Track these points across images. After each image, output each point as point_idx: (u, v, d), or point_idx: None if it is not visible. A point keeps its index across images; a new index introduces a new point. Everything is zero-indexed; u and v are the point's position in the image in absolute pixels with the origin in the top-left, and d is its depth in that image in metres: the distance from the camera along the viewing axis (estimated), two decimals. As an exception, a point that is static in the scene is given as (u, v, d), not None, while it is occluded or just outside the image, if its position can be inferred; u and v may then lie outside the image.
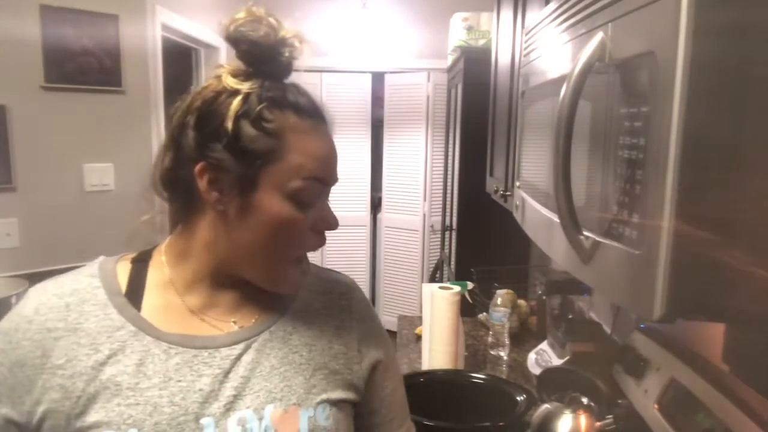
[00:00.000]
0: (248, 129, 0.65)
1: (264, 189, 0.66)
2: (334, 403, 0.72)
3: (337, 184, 0.74)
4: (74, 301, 0.68)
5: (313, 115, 0.70)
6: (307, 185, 0.67)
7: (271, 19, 0.68)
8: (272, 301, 0.75)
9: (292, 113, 0.67)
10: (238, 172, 0.66)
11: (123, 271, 0.72)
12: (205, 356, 0.68)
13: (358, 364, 0.77)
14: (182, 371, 0.66)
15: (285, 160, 0.66)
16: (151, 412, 0.63)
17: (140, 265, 0.73)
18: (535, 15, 1.22)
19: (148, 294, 0.70)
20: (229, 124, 0.65)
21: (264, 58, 0.68)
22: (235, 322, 0.72)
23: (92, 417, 0.62)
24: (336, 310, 0.79)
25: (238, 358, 0.69)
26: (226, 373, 0.67)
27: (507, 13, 1.83)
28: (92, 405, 0.63)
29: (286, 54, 0.68)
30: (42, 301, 0.67)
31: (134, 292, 0.70)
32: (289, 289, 0.73)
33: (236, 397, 0.67)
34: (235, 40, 0.67)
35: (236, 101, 0.66)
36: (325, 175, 0.70)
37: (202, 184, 0.67)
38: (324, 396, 0.71)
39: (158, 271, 0.73)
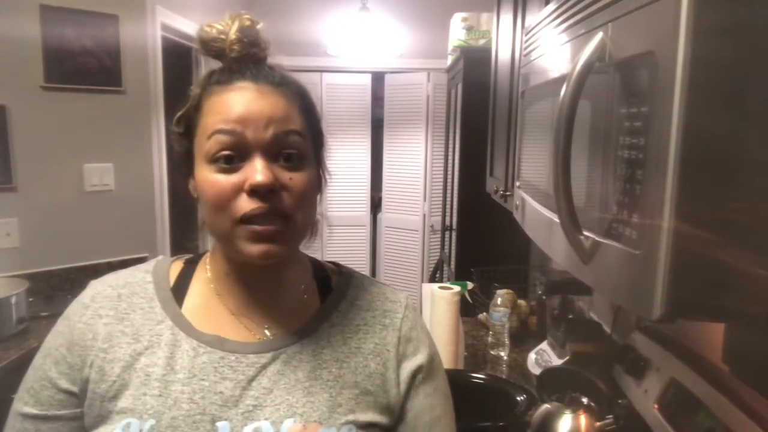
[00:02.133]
0: (189, 111, 0.70)
1: (197, 162, 0.68)
2: (363, 427, 0.68)
3: (269, 143, 0.65)
4: (126, 292, 0.72)
5: (231, 76, 0.68)
6: (214, 142, 0.64)
7: (225, 21, 0.70)
8: (310, 310, 0.75)
9: (215, 83, 0.69)
10: (186, 153, 0.71)
11: (175, 269, 0.76)
12: (232, 360, 0.68)
13: (396, 387, 0.72)
14: (206, 371, 0.67)
15: (200, 126, 0.68)
16: (170, 406, 0.65)
17: (191, 265, 0.77)
18: (534, 15, 1.22)
19: (191, 292, 0.74)
20: (183, 113, 0.71)
21: (220, 54, 0.71)
22: (267, 328, 0.72)
23: (122, 403, 0.65)
24: (378, 328, 0.74)
25: (264, 367, 0.68)
26: (250, 381, 0.67)
27: (507, 13, 1.83)
28: (124, 391, 0.66)
29: (235, 42, 0.69)
30: (98, 290, 0.73)
31: (179, 290, 0.74)
32: (251, 254, 0.65)
33: (256, 406, 0.66)
34: (199, 44, 0.72)
35: (194, 91, 0.70)
36: (228, 127, 0.64)
37: (187, 178, 0.72)
38: (351, 417, 0.67)
39: (203, 270, 0.76)
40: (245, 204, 0.64)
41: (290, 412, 0.66)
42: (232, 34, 0.68)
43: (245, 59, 0.70)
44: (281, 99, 0.67)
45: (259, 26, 0.71)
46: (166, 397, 0.65)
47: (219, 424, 0.64)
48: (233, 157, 0.64)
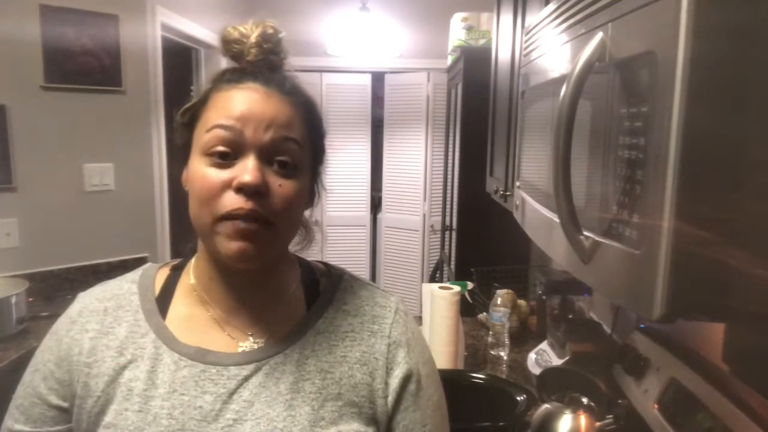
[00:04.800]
0: (197, 105, 0.70)
1: (193, 154, 0.68)
2: None
3: (265, 147, 0.65)
4: (112, 305, 0.72)
5: (243, 76, 0.68)
6: (212, 136, 0.64)
7: (249, 26, 0.70)
8: (295, 316, 0.73)
9: (225, 81, 0.69)
10: (185, 145, 0.70)
11: (161, 277, 0.75)
12: (213, 373, 0.67)
13: (383, 398, 0.69)
14: (187, 385, 0.66)
15: (202, 119, 0.68)
16: (150, 422, 0.64)
17: (176, 272, 0.76)
18: (535, 15, 1.22)
19: (175, 301, 0.73)
20: (191, 106, 0.71)
21: (238, 56, 0.71)
22: (251, 335, 0.70)
23: (107, 417, 0.65)
24: (366, 335, 0.72)
25: (246, 379, 0.67)
26: (231, 394, 0.66)
27: (507, 13, 1.83)
28: (109, 406, 0.66)
29: (254, 46, 0.70)
30: (85, 304, 0.73)
31: (164, 298, 0.73)
32: (230, 251, 0.64)
33: (236, 420, 0.64)
34: (220, 44, 0.71)
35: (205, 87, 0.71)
36: (228, 123, 0.64)
37: (181, 171, 0.72)
38: (333, 430, 0.65)
39: (187, 277, 0.75)
40: (229, 201, 0.63)
41: (270, 427, 0.64)
42: (253, 38, 0.69)
43: (262, 64, 0.70)
44: (287, 106, 0.67)
45: (281, 35, 0.71)
46: (146, 412, 0.64)
47: None
48: (228, 153, 0.64)
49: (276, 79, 0.69)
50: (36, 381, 0.69)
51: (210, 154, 0.64)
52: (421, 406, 0.72)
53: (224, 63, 0.74)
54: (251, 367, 0.67)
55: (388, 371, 0.71)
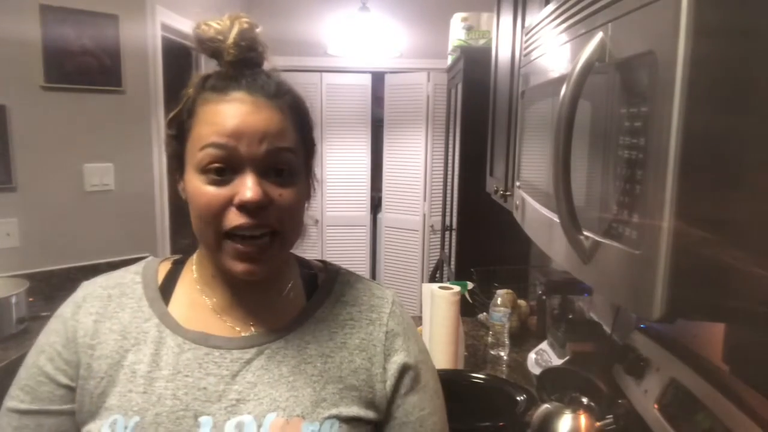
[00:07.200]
0: (182, 114, 0.69)
1: (187, 168, 0.68)
2: (346, 420, 0.68)
3: (261, 157, 0.65)
4: (116, 293, 0.74)
5: (227, 84, 0.67)
6: (206, 154, 0.64)
7: (224, 22, 0.68)
8: (295, 307, 0.75)
9: (210, 89, 0.68)
10: (177, 156, 0.70)
11: (163, 269, 0.78)
12: (216, 356, 0.69)
13: (382, 382, 0.72)
14: (191, 367, 0.68)
15: (193, 133, 0.67)
16: (154, 403, 0.66)
17: (178, 265, 0.78)
18: (535, 15, 1.22)
19: (178, 291, 0.75)
20: (176, 115, 0.70)
21: (216, 54, 0.70)
22: (252, 325, 0.72)
23: (110, 400, 0.66)
24: (364, 323, 0.75)
25: (248, 362, 0.69)
26: (234, 376, 0.68)
27: (507, 13, 1.83)
28: (112, 388, 0.67)
29: (232, 47, 0.68)
30: (90, 291, 0.74)
31: (167, 289, 0.75)
32: (236, 271, 0.66)
33: (239, 401, 0.66)
34: (195, 41, 0.70)
35: (187, 93, 0.70)
36: (221, 141, 0.63)
37: (176, 178, 0.72)
38: (334, 411, 0.68)
39: (189, 271, 0.77)
40: (233, 218, 0.64)
41: (273, 407, 0.66)
42: (231, 38, 0.68)
43: (242, 63, 0.69)
44: (276, 113, 0.67)
45: (258, 30, 0.70)
46: (150, 394, 0.66)
47: (201, 419, 0.65)
48: (224, 169, 0.65)
49: (260, 81, 0.68)
50: (42, 361, 0.70)
51: (206, 171, 0.65)
52: (418, 391, 0.74)
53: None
54: (253, 350, 0.70)
55: (386, 357, 0.73)
